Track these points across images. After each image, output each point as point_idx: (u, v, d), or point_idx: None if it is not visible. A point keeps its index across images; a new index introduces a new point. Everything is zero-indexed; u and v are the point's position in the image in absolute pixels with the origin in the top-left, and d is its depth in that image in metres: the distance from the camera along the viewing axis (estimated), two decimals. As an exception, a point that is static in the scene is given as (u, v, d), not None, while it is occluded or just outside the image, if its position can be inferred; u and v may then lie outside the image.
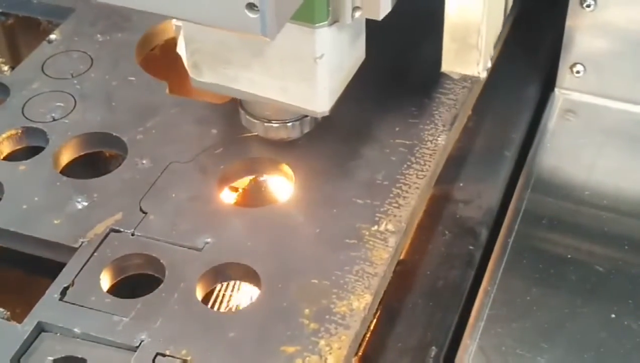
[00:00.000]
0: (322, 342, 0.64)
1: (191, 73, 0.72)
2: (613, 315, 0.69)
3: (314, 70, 0.68)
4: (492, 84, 0.86)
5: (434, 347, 0.69)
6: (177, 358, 0.63)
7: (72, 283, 0.68)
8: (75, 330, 0.65)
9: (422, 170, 0.76)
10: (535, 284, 0.71)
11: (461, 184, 0.81)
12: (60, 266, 0.69)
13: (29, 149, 0.81)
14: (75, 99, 0.83)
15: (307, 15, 0.64)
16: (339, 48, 0.68)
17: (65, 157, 0.79)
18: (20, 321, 0.66)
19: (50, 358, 0.64)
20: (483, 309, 0.69)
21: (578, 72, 0.86)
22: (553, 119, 0.86)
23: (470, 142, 0.85)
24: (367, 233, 0.71)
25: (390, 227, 0.71)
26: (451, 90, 0.83)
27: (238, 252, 0.70)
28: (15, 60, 1.01)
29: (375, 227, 0.71)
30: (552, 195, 0.79)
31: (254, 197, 0.81)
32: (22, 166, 0.77)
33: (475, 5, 0.69)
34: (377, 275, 0.68)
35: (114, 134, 0.80)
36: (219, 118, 0.80)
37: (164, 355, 0.63)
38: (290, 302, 0.66)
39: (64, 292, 0.67)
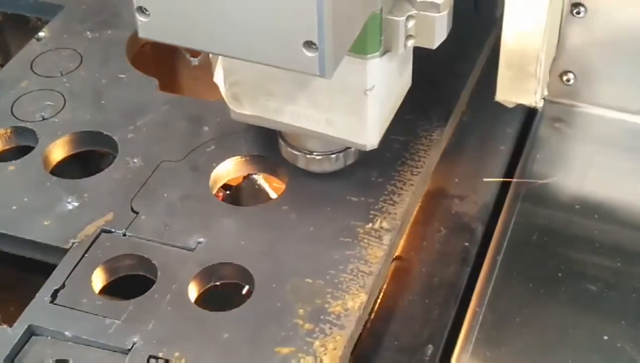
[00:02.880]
0: (317, 343, 0.63)
1: (230, 105, 0.70)
2: (605, 337, 0.68)
3: (364, 102, 0.65)
4: (485, 81, 0.85)
5: (430, 345, 0.68)
6: (170, 360, 0.62)
7: (63, 286, 0.67)
8: (67, 333, 0.64)
9: (416, 167, 0.75)
10: (525, 305, 0.70)
11: (456, 180, 0.80)
12: (53, 265, 0.69)
13: (18, 148, 0.80)
14: (64, 98, 0.82)
15: (359, 47, 0.62)
16: (389, 78, 0.66)
17: (55, 157, 0.78)
18: (14, 320, 0.65)
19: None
20: (471, 332, 0.68)
21: (568, 80, 0.84)
22: (543, 128, 0.84)
23: (465, 137, 0.84)
24: (361, 231, 0.70)
25: (385, 224, 0.71)
26: (445, 85, 0.82)
27: (231, 252, 0.69)
28: (3, 58, 1.00)
29: (370, 225, 0.71)
30: (542, 207, 0.77)
31: (247, 195, 0.81)
32: (11, 166, 0.76)
33: (536, 32, 0.65)
34: (372, 273, 0.67)
35: (105, 133, 0.79)
36: (211, 115, 0.80)
37: (156, 358, 0.62)
38: (284, 302, 0.66)
39: (54, 295, 0.66)
